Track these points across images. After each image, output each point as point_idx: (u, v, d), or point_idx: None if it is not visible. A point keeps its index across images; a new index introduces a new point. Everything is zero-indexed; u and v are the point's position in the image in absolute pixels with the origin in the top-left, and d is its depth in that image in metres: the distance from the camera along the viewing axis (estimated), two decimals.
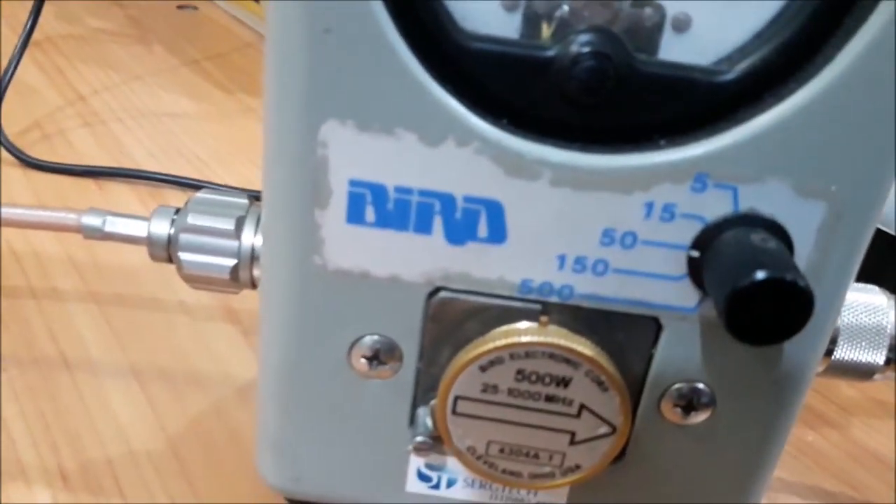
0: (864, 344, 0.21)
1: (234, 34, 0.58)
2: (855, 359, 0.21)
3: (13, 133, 0.39)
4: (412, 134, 0.16)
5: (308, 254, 0.17)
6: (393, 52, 0.16)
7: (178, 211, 0.22)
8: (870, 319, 0.21)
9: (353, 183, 0.17)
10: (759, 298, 0.15)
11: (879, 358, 0.21)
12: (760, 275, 0.15)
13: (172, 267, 0.21)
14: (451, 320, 0.18)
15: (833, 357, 0.21)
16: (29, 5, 0.59)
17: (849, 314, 0.22)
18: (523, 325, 0.18)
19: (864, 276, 0.22)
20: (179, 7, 0.62)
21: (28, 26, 0.40)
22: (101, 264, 0.31)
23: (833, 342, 0.21)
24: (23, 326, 0.27)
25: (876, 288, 0.22)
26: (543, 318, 0.18)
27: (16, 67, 0.40)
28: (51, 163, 0.37)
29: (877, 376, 0.22)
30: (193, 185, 0.36)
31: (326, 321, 0.18)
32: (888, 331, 0.21)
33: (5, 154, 0.37)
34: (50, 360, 0.26)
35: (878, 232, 0.30)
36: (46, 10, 0.59)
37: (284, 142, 0.17)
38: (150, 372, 0.26)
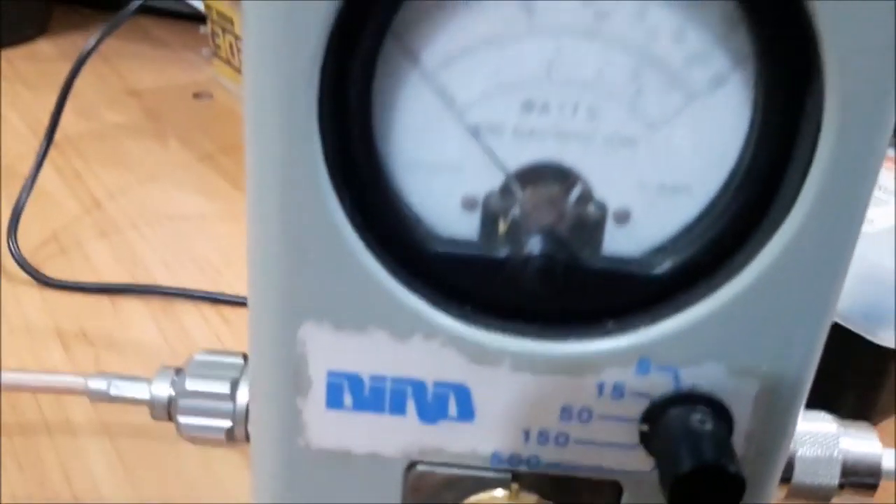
0: (818, 471, 0.23)
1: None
2: (811, 485, 0.23)
3: (31, 247, 0.42)
4: (383, 331, 0.18)
5: (292, 436, 0.19)
6: (361, 263, 0.17)
7: (178, 371, 0.23)
8: (821, 450, 0.22)
9: (331, 374, 0.18)
10: (696, 484, 0.16)
11: (834, 482, 0.23)
12: (695, 463, 0.16)
13: None
14: (429, 491, 0.19)
15: (791, 483, 0.23)
16: (43, 97, 0.62)
17: (803, 446, 0.23)
18: (497, 493, 0.19)
19: (827, 372, 0.24)
20: (195, 96, 0.65)
21: (45, 143, 0.42)
22: None
23: (790, 469, 0.23)
24: (36, 465, 0.29)
25: (827, 416, 0.23)
26: (514, 486, 0.19)
27: (33, 182, 0.42)
28: (65, 282, 0.39)
29: (834, 500, 0.23)
30: (203, 298, 0.38)
31: (312, 496, 0.20)
32: (839, 458, 0.23)
33: (22, 272, 0.40)
34: (63, 501, 0.28)
35: (837, 327, 0.32)
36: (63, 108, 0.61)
37: (267, 339, 0.19)
38: None
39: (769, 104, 0.17)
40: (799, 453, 0.23)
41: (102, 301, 0.39)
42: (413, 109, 0.17)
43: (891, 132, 0.16)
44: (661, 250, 0.18)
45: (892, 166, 0.41)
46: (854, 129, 0.16)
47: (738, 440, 0.18)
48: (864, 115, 0.16)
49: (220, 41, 0.67)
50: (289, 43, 0.16)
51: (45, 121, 0.58)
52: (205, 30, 0.68)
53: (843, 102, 0.16)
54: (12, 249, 0.40)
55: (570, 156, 0.18)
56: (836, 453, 0.23)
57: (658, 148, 0.17)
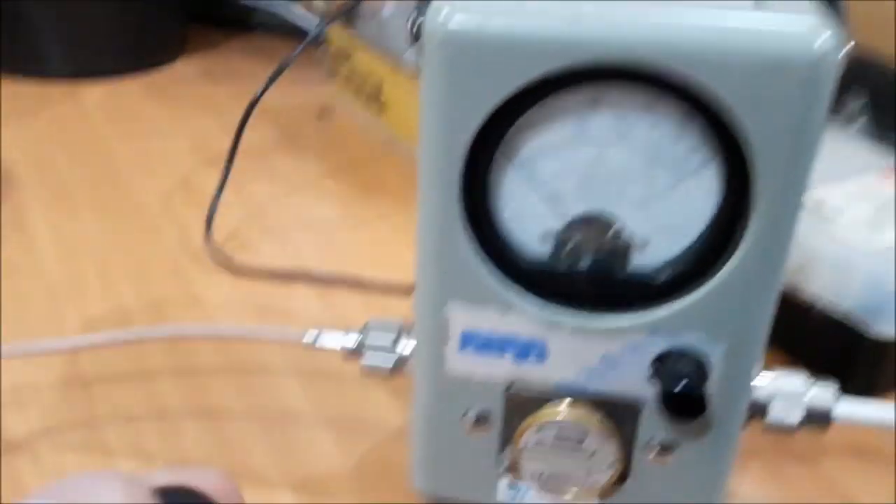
0: (785, 413, 0.33)
1: (363, 139, 0.73)
2: (779, 423, 0.34)
3: (217, 242, 0.56)
4: (494, 309, 0.30)
5: (439, 367, 0.32)
6: (482, 273, 0.30)
7: (360, 330, 0.36)
8: (790, 397, 0.33)
9: (463, 332, 0.31)
10: (678, 400, 0.28)
11: (795, 421, 0.33)
12: (676, 389, 0.28)
13: None
14: (519, 403, 0.32)
15: (766, 420, 0.33)
16: (194, 115, 0.76)
17: (777, 393, 0.34)
18: (560, 407, 0.32)
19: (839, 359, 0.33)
20: (319, 114, 0.78)
21: (226, 169, 0.56)
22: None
23: (765, 411, 0.34)
24: (250, 394, 0.43)
25: (801, 373, 0.34)
26: (571, 403, 0.32)
27: (219, 196, 0.56)
28: (249, 269, 0.53)
29: (798, 432, 0.34)
30: (351, 282, 0.52)
31: (449, 403, 0.32)
32: (802, 404, 0.33)
33: (215, 264, 0.54)
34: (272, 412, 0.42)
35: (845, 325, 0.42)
36: (211, 125, 0.75)
37: (426, 313, 0.31)
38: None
39: (729, 182, 0.28)
40: (773, 399, 0.34)
41: (276, 285, 0.52)
42: (512, 186, 0.29)
43: (798, 210, 0.28)
44: (665, 267, 0.30)
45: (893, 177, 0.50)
46: (773, 202, 0.27)
47: (713, 384, 0.30)
48: (778, 197, 0.27)
49: (338, 69, 0.79)
50: (445, 152, 0.28)
51: (203, 137, 0.72)
52: (323, 51, 0.80)
53: (766, 189, 0.27)
54: (210, 246, 0.54)
55: (609, 209, 0.30)
56: (800, 400, 0.33)
57: (665, 204, 0.29)
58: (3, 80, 0.80)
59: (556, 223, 0.30)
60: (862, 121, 0.55)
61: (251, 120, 0.71)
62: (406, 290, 0.52)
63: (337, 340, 0.36)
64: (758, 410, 0.33)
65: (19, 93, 0.78)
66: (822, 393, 0.34)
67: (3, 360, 0.44)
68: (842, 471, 0.41)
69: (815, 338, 0.43)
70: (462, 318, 0.31)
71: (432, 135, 0.29)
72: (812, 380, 0.34)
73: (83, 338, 0.43)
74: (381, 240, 0.58)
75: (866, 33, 0.60)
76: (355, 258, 0.56)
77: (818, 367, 0.34)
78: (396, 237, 0.59)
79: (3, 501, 0.37)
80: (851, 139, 0.54)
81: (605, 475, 0.32)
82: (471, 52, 0.27)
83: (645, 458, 0.33)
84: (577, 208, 0.30)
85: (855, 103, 0.55)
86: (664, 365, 0.30)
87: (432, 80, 0.28)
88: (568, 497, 0.33)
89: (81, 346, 0.43)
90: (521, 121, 0.28)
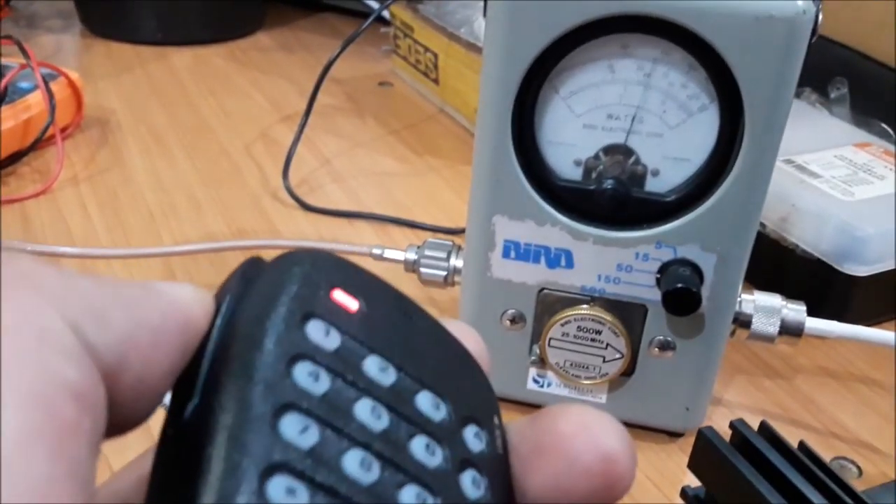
0: (767, 324, 0.40)
1: (419, 107, 0.81)
2: (762, 331, 0.40)
3: (292, 185, 0.63)
4: (532, 221, 0.37)
5: (484, 271, 0.39)
6: (525, 189, 0.37)
7: (419, 247, 0.44)
8: (770, 312, 0.40)
9: (505, 241, 0.38)
10: (676, 296, 0.35)
11: (775, 330, 0.40)
12: (677, 286, 0.35)
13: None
14: (549, 303, 0.39)
15: (751, 329, 0.40)
16: (271, 79, 0.84)
17: (759, 309, 0.41)
18: (582, 306, 0.39)
19: (812, 291, 0.41)
20: (380, 84, 0.86)
21: (300, 126, 0.64)
22: None
23: (750, 322, 0.40)
24: None
25: (778, 296, 0.41)
26: (591, 303, 0.38)
27: (294, 146, 0.64)
28: (318, 207, 0.60)
29: (777, 340, 0.40)
30: (404, 223, 0.59)
31: (491, 302, 0.40)
32: (779, 317, 0.40)
33: (292, 201, 0.61)
34: None
35: (821, 262, 0.49)
36: (285, 88, 0.83)
37: (476, 223, 0.38)
38: None
39: (724, 121, 0.35)
40: (756, 313, 0.40)
41: (342, 222, 0.60)
42: (554, 116, 0.37)
43: (777, 144, 0.34)
44: (672, 191, 0.37)
45: (892, 160, 0.57)
46: (757, 139, 0.34)
47: (706, 289, 0.37)
48: (761, 134, 0.34)
49: (400, 42, 0.87)
50: (500, 84, 0.35)
51: (278, 98, 0.80)
52: (385, 30, 0.88)
53: (752, 127, 0.34)
54: (286, 187, 0.61)
55: (629, 141, 0.36)
56: (778, 314, 0.40)
57: (674, 139, 0.36)
58: (98, 43, 0.89)
59: (587, 152, 0.37)
60: (843, 104, 0.65)
61: (321, 86, 0.78)
62: (451, 231, 0.59)
63: (400, 254, 0.44)
64: (743, 324, 0.40)
65: (114, 53, 0.87)
66: (794, 310, 0.41)
67: (107, 266, 0.52)
68: (811, 385, 0.48)
69: (796, 275, 0.51)
70: (505, 229, 0.38)
71: (492, 72, 0.36)
72: (785, 301, 0.41)
73: (177, 247, 0.51)
74: (431, 190, 0.66)
75: (864, 33, 0.67)
76: (408, 204, 0.63)
77: (799, 299, 0.41)
78: (445, 188, 0.66)
79: None
80: (834, 119, 0.63)
81: (615, 365, 0.39)
82: (525, 4, 0.34)
83: (649, 353, 0.39)
84: (604, 140, 0.36)
85: (838, 90, 0.64)
86: (667, 270, 0.37)
87: (495, 24, 0.35)
88: (585, 384, 0.40)
89: (175, 253, 0.51)
90: (564, 62, 0.35)
